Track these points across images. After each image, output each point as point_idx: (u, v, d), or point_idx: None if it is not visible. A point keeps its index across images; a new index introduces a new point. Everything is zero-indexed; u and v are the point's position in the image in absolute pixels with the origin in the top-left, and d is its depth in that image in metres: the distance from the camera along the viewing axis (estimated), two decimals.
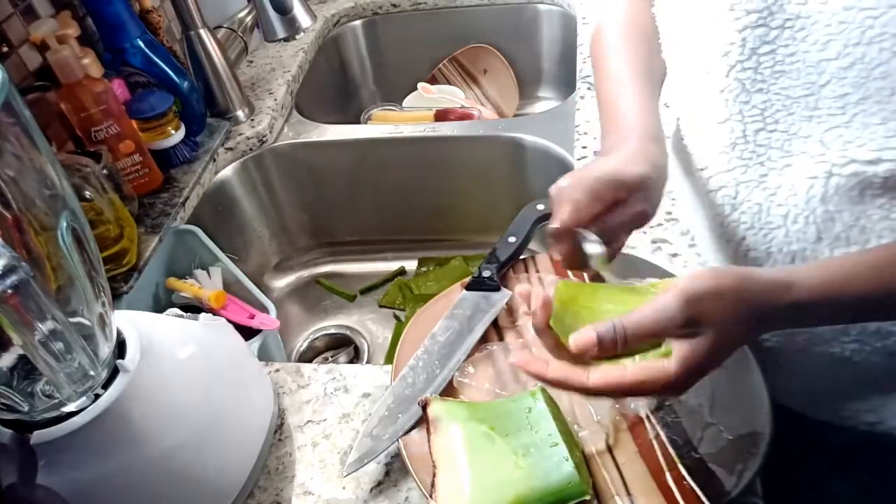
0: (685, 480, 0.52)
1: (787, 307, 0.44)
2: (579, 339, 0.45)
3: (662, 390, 0.44)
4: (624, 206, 0.51)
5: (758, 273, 0.45)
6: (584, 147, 0.90)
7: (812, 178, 0.51)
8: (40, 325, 0.43)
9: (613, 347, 0.44)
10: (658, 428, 0.55)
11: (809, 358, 0.60)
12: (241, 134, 1.07)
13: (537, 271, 0.71)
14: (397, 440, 0.56)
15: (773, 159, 0.54)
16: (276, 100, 1.14)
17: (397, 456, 0.59)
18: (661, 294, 0.44)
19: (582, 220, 0.50)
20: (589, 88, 1.02)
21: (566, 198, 0.50)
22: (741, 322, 0.44)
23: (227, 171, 1.06)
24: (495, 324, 0.66)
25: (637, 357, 0.45)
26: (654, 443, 0.54)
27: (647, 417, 0.56)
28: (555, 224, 0.51)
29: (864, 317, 0.51)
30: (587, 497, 0.49)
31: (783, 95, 0.51)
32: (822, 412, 0.63)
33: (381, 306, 1.13)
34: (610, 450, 0.54)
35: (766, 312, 0.45)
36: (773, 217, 0.55)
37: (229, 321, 0.67)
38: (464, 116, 1.28)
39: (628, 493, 0.52)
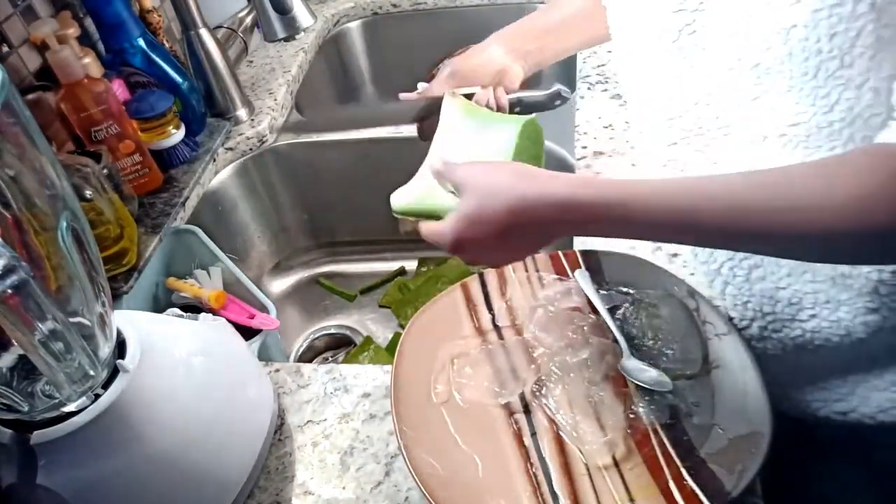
0: (685, 481, 0.52)
1: (562, 197, 0.49)
2: (436, 161, 0.61)
3: (438, 239, 0.55)
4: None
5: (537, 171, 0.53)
6: (585, 147, 0.90)
7: (750, 143, 0.54)
8: (40, 325, 0.43)
9: (437, 175, 0.58)
10: (666, 442, 0.55)
11: (772, 346, 0.62)
12: (241, 134, 1.07)
13: (537, 270, 0.71)
14: None
15: (711, 130, 0.57)
16: (276, 100, 1.14)
17: (397, 456, 0.59)
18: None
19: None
20: (589, 88, 1.02)
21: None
22: (501, 196, 0.50)
23: (228, 171, 1.06)
24: (495, 324, 0.66)
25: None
26: (661, 457, 0.54)
27: (656, 431, 0.56)
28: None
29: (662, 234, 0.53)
30: None
31: (710, 70, 0.54)
32: (795, 407, 0.64)
33: (381, 306, 1.13)
34: (616, 464, 0.54)
35: (533, 195, 0.50)
36: None
37: (229, 321, 0.67)
38: None
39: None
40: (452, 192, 0.56)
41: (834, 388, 0.61)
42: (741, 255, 0.60)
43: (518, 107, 0.73)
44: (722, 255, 0.62)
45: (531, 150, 0.64)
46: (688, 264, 0.71)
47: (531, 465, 0.55)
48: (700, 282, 0.67)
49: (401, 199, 0.64)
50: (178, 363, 0.56)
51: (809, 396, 0.63)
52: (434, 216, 0.58)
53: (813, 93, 0.49)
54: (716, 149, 0.57)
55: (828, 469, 0.69)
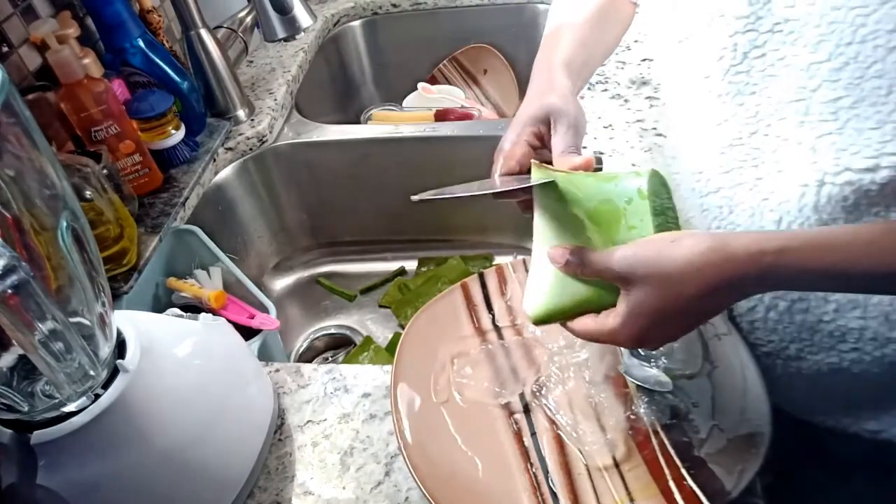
0: (685, 481, 0.52)
1: (755, 274, 0.44)
2: (555, 250, 0.50)
3: (610, 339, 0.48)
4: (556, 133, 0.56)
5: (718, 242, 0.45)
6: (584, 147, 0.90)
7: (803, 185, 0.51)
8: (40, 325, 0.43)
9: (575, 270, 0.49)
10: (666, 442, 0.55)
11: (806, 366, 0.60)
12: (241, 134, 1.07)
13: None
14: (469, 194, 0.57)
15: (766, 163, 0.54)
16: (276, 100, 1.14)
17: (397, 456, 0.59)
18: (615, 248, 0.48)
19: (523, 164, 0.57)
20: (589, 88, 1.02)
21: (505, 154, 0.58)
22: (688, 284, 0.44)
23: (227, 171, 1.06)
24: (495, 324, 0.67)
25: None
26: (661, 457, 0.54)
27: (656, 432, 0.56)
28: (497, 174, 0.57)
29: (849, 287, 0.49)
30: None
31: (775, 100, 0.51)
32: (822, 419, 0.63)
33: (381, 306, 1.13)
34: (616, 464, 0.54)
35: (729, 278, 0.44)
36: (766, 222, 0.55)
37: (229, 321, 0.67)
38: (464, 116, 1.28)
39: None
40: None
41: (867, 407, 0.60)
42: None
43: None
44: None
45: (666, 205, 0.52)
46: None
47: (531, 465, 0.55)
48: (740, 304, 0.64)
49: (536, 307, 0.52)
50: (178, 363, 0.56)
51: (840, 414, 0.62)
52: (579, 312, 0.50)
53: None
54: (769, 183, 0.54)
55: (846, 484, 0.68)
